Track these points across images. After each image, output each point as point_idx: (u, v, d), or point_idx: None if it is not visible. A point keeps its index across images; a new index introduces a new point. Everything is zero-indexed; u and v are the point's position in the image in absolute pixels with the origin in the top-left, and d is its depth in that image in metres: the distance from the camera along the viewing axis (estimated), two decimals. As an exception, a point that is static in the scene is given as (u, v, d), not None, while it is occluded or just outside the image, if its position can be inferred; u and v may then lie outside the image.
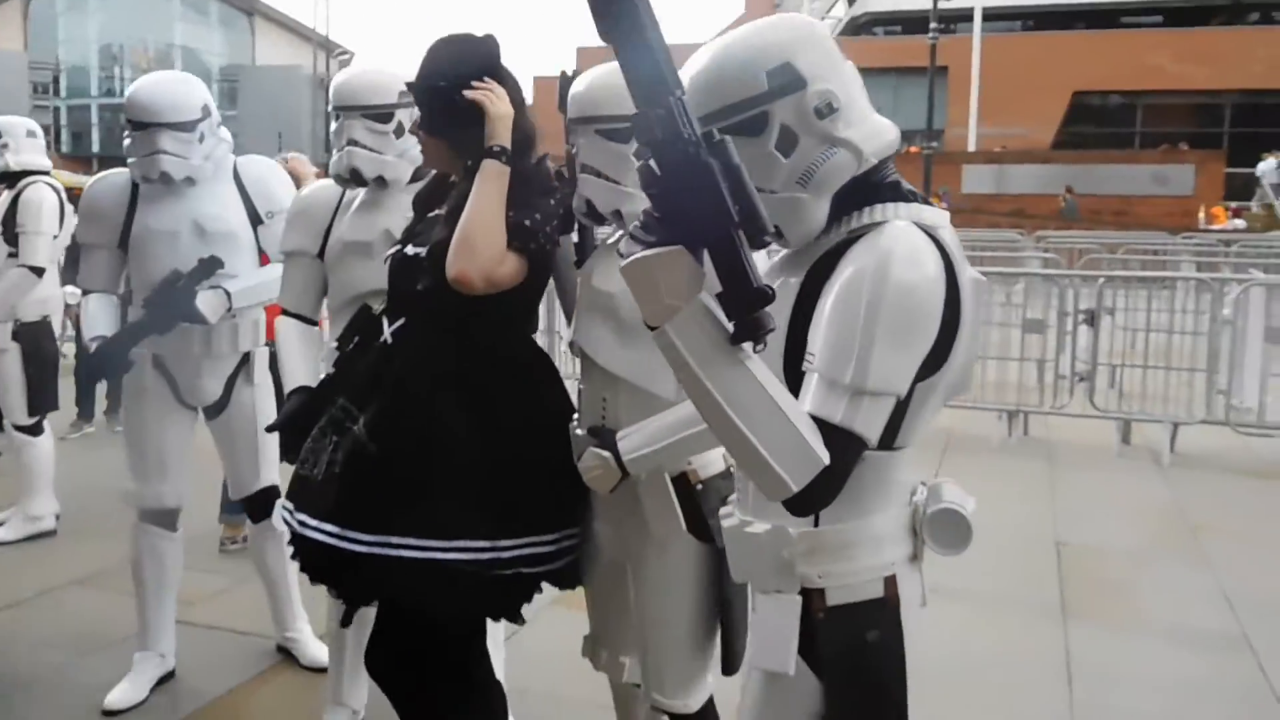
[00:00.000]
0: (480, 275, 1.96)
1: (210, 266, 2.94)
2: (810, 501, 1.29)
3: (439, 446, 2.00)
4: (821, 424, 1.28)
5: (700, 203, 1.17)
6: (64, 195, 4.57)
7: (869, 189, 1.43)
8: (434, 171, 2.33)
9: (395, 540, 1.96)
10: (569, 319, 2.28)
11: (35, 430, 4.65)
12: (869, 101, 1.49)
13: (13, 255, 4.37)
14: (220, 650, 3.44)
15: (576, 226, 2.12)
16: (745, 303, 1.19)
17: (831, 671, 1.43)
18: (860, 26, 39.06)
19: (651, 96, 1.18)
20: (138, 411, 3.09)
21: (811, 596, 1.44)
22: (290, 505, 2.12)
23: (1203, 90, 27.65)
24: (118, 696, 3.05)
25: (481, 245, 1.95)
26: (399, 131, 2.58)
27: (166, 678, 3.19)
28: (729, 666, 2.03)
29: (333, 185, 2.70)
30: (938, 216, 1.43)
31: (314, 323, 2.74)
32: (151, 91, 2.96)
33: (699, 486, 1.96)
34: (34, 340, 4.54)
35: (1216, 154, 23.97)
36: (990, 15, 27.13)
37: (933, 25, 19.58)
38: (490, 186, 1.99)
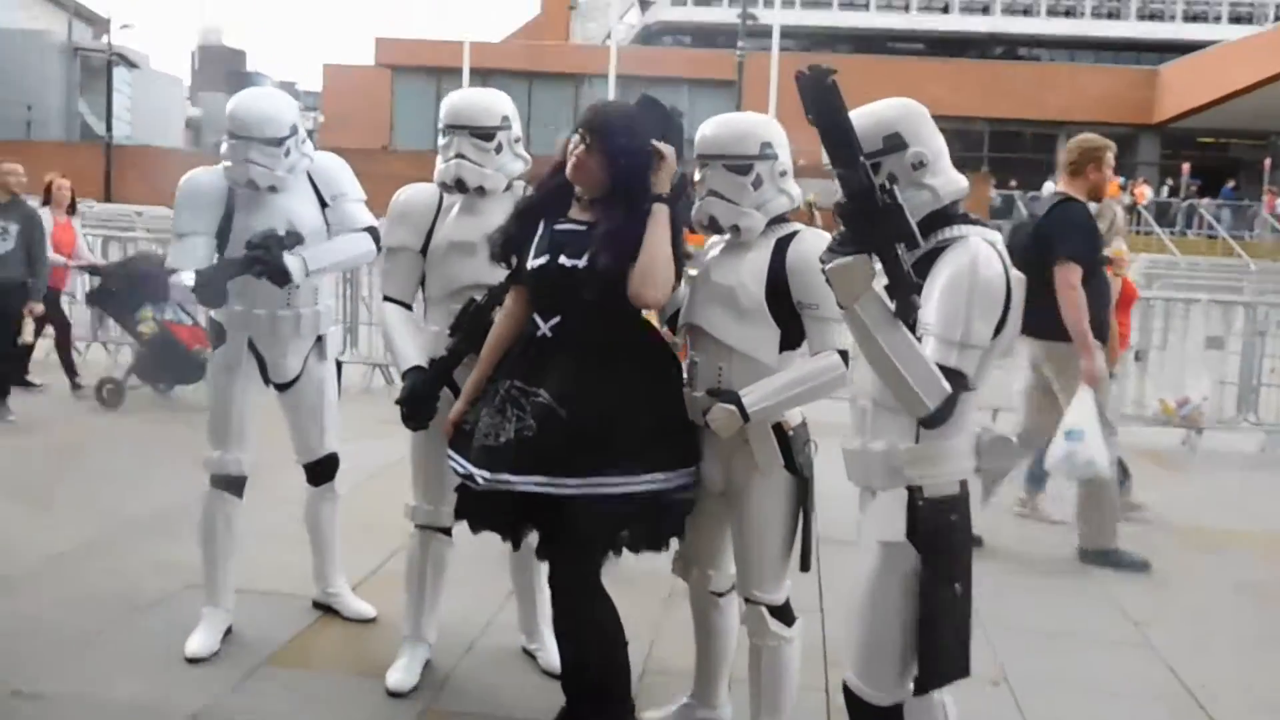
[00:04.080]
0: (657, 300, 2.60)
1: (295, 238, 3.24)
2: (937, 418, 1.99)
3: (618, 407, 2.58)
4: (941, 368, 1.99)
5: (883, 228, 1.88)
6: None
7: (947, 216, 2.18)
8: (533, 185, 2.89)
9: (599, 480, 2.53)
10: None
11: None
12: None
13: None
14: (255, 609, 3.69)
15: None
16: (907, 290, 1.92)
17: (926, 541, 2.12)
18: (652, 35, 40.69)
19: (849, 160, 1.87)
20: (227, 385, 3.42)
21: (912, 491, 2.14)
22: (485, 472, 2.59)
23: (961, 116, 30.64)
24: (196, 645, 3.36)
25: (661, 278, 2.57)
26: (499, 149, 3.11)
27: (226, 632, 3.50)
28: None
29: (430, 188, 3.18)
30: (995, 234, 2.18)
31: (411, 309, 3.21)
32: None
33: (790, 433, 2.66)
34: None
35: (982, 175, 26.47)
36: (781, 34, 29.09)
37: (740, 43, 21.07)
38: (663, 228, 2.58)
